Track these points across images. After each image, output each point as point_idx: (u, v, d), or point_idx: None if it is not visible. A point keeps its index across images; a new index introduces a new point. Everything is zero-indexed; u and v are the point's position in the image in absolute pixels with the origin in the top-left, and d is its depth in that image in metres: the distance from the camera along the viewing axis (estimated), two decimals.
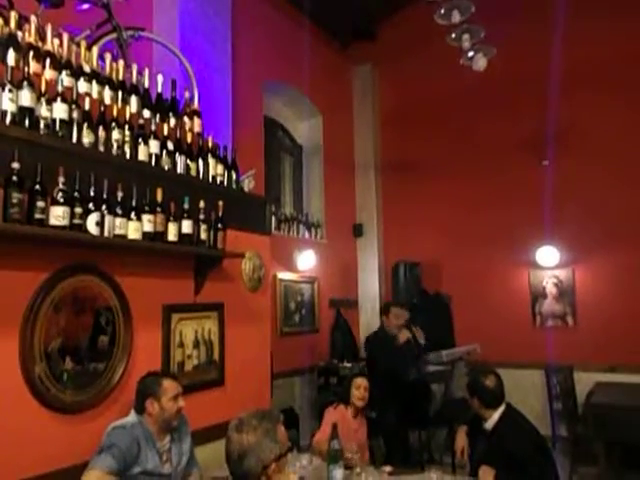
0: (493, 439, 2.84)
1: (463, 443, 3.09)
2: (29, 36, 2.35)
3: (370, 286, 7.04)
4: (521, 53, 6.10)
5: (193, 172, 2.95)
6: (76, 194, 2.19)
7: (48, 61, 2.35)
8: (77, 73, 2.47)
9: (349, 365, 5.81)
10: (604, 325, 5.74)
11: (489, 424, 2.87)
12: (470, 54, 4.56)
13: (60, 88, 2.28)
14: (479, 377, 2.95)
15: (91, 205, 2.25)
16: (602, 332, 5.72)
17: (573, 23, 5.86)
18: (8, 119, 2.09)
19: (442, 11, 4.13)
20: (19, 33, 2.37)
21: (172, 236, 2.63)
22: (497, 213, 6.37)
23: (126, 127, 2.54)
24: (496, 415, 2.86)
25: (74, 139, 2.31)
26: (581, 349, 5.75)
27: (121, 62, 2.78)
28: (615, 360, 5.60)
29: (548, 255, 6.14)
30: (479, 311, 6.31)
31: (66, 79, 2.38)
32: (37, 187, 2.05)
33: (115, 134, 2.48)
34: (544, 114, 6.01)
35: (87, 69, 2.53)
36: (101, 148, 2.42)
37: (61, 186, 2.12)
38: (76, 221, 2.18)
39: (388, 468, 2.93)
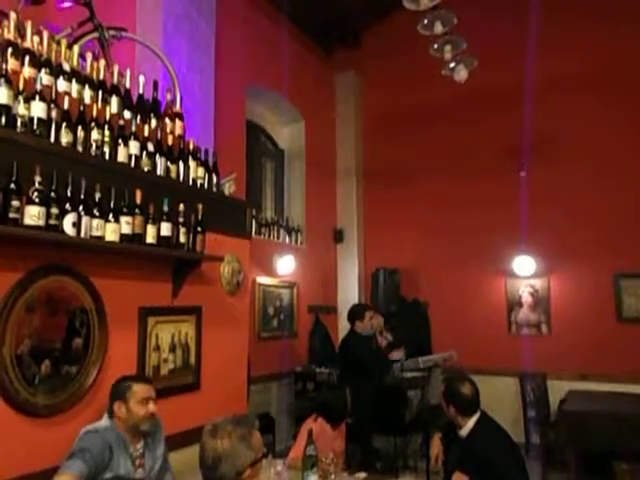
0: (467, 446, 2.86)
1: (438, 450, 3.11)
2: (8, 32, 2.31)
3: (350, 292, 7.05)
4: (502, 64, 6.19)
5: (173, 174, 2.92)
6: (52, 194, 2.15)
7: (27, 58, 2.31)
8: (57, 71, 2.43)
9: (327, 371, 5.80)
10: (577, 334, 5.85)
11: (464, 431, 2.89)
12: (452, 65, 4.62)
13: (39, 86, 2.25)
14: (455, 384, 2.94)
15: (68, 205, 2.21)
16: (575, 341, 5.82)
17: (550, 34, 6.00)
18: None
19: (425, 21, 4.17)
20: None
21: (150, 238, 2.60)
22: (476, 222, 6.45)
23: (106, 127, 2.51)
24: (471, 422, 2.88)
25: (52, 138, 2.27)
26: (555, 357, 5.85)
27: (102, 62, 2.74)
28: (587, 368, 5.71)
29: (525, 264, 6.24)
30: (456, 318, 6.37)
31: (45, 77, 2.34)
32: (12, 186, 2.02)
33: (94, 134, 2.45)
34: (521, 125, 6.11)
35: (67, 68, 2.49)
36: (80, 148, 2.39)
37: (37, 185, 2.08)
38: (52, 221, 2.14)
39: (363, 474, 2.93)
